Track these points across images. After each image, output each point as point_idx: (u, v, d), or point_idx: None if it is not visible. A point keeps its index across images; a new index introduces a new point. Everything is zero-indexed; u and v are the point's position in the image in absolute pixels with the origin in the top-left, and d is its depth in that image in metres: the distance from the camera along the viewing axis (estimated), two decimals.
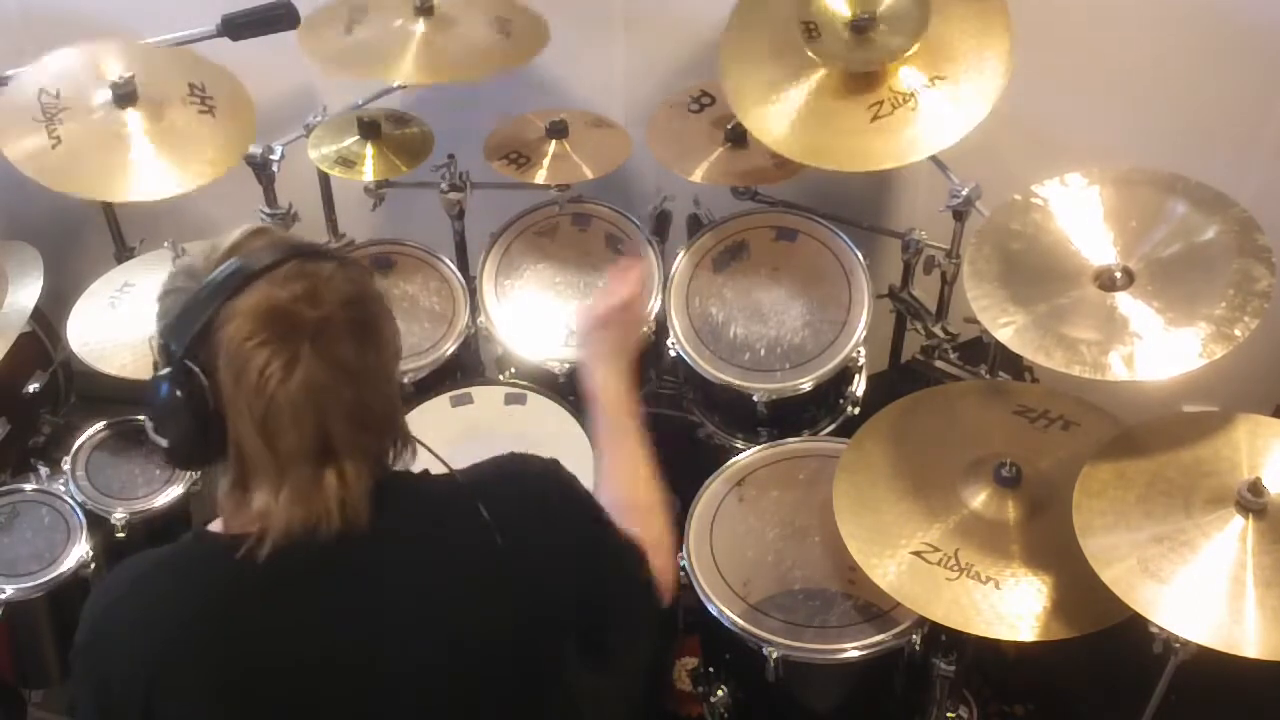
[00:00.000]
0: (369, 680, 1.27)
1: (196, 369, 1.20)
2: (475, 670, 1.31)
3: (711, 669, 2.06)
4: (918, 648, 1.87)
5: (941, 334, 2.37)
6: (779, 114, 2.13)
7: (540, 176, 2.36)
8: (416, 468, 1.38)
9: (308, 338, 1.19)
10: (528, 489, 1.40)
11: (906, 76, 2.08)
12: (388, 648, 1.27)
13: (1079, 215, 1.95)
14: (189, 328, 1.20)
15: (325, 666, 1.26)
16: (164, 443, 1.25)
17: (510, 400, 2.28)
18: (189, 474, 2.23)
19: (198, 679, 1.24)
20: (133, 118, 2.22)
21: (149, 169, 2.19)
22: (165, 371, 1.21)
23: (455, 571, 1.31)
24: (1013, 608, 1.74)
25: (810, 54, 2.09)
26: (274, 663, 1.25)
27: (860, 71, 2.09)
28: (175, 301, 1.23)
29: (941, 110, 2.05)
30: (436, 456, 1.40)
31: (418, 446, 1.36)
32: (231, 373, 1.18)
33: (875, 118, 2.06)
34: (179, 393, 1.20)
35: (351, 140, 2.40)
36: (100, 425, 2.30)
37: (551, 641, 1.37)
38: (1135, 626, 1.63)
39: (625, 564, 1.44)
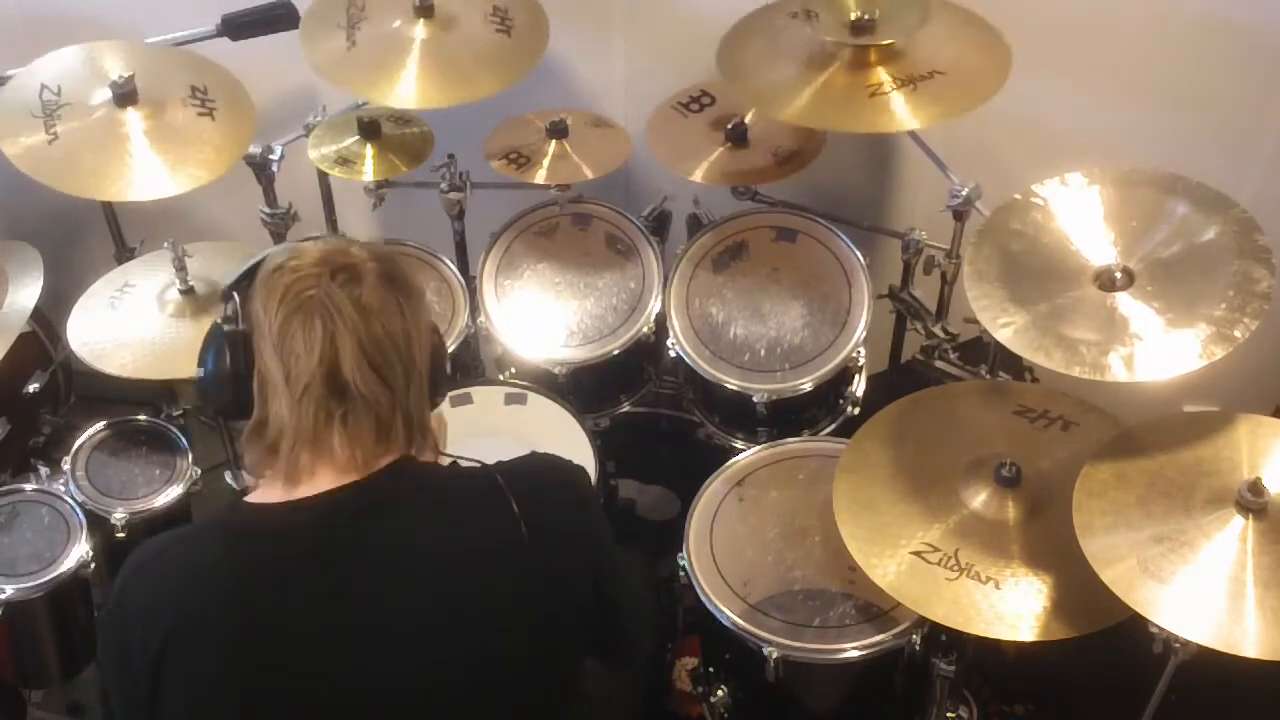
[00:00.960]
0: (381, 667, 1.28)
1: (235, 295, 1.34)
2: (490, 663, 1.32)
3: (711, 669, 2.06)
4: (918, 648, 1.87)
5: (941, 334, 2.37)
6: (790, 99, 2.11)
7: (540, 176, 2.36)
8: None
9: (332, 272, 1.31)
10: (552, 485, 1.42)
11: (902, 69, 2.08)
12: (403, 638, 1.28)
13: (1079, 215, 1.95)
14: (243, 276, 1.35)
15: (339, 652, 1.27)
16: (200, 371, 1.37)
17: (510, 400, 2.28)
18: (190, 473, 2.24)
19: (211, 650, 1.26)
20: (132, 117, 2.21)
21: (148, 169, 2.17)
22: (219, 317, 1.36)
23: (477, 564, 1.32)
24: (1013, 608, 1.74)
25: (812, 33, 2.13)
26: (289, 643, 1.27)
27: (861, 45, 2.09)
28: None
29: (936, 92, 2.05)
30: (457, 457, 1.41)
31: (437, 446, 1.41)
32: (261, 299, 1.31)
33: (873, 95, 2.06)
34: (220, 321, 1.35)
35: (351, 140, 2.40)
36: (100, 425, 2.30)
37: (567, 637, 1.37)
38: (1135, 626, 1.62)
39: (634, 565, 1.46)
